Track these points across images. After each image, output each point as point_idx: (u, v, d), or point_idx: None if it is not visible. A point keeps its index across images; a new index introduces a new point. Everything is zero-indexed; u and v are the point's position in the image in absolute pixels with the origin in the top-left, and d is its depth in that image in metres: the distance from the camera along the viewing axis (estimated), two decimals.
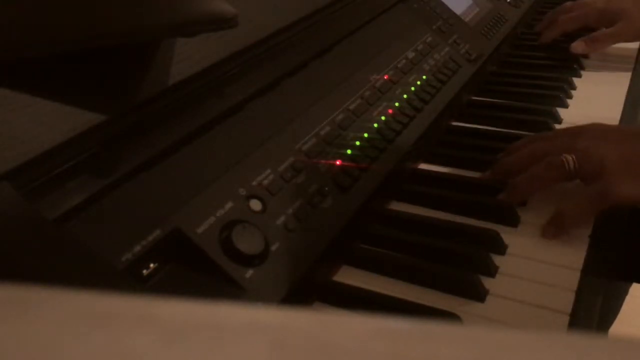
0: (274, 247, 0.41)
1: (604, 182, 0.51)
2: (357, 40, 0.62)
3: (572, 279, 0.46)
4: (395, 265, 0.47)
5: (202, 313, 0.12)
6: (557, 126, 0.69)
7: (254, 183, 0.43)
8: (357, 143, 0.53)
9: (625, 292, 0.91)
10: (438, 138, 0.66)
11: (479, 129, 0.69)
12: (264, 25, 0.53)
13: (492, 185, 0.57)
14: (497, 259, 0.48)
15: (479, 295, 0.44)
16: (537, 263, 0.48)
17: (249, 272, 0.39)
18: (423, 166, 0.62)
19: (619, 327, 0.92)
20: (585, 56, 0.89)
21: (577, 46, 0.87)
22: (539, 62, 0.87)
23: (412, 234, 0.51)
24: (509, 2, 0.96)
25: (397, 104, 0.60)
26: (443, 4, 0.79)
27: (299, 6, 0.58)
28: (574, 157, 0.53)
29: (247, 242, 0.39)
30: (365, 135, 0.54)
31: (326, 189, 0.47)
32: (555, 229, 0.51)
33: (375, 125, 0.56)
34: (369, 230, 0.51)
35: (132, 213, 0.36)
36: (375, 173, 0.52)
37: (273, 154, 0.46)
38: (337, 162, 0.50)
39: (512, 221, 0.52)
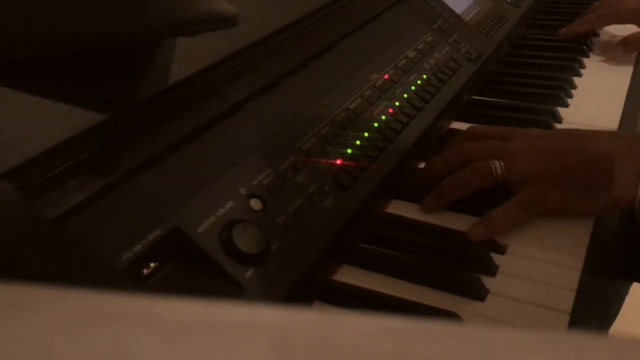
0: (274, 247, 0.41)
1: (530, 191, 0.51)
2: (357, 39, 0.62)
3: (573, 278, 0.46)
4: (396, 265, 0.47)
5: (203, 312, 0.12)
6: (558, 126, 0.69)
7: (255, 182, 0.43)
8: (358, 142, 0.53)
9: (626, 292, 0.91)
10: (438, 137, 0.66)
11: None
12: (264, 25, 0.53)
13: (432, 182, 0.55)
14: (498, 258, 0.48)
15: (479, 294, 0.44)
16: (538, 262, 0.48)
17: (249, 272, 0.39)
18: (423, 165, 0.62)
19: (619, 326, 0.92)
20: (587, 55, 0.89)
21: (613, 51, 0.88)
22: (540, 62, 0.87)
23: (412, 233, 0.51)
24: (509, 2, 0.96)
25: (397, 103, 0.60)
26: (443, 3, 0.79)
27: (299, 5, 0.58)
28: (502, 163, 0.52)
29: (247, 241, 0.39)
30: (366, 134, 0.54)
31: (326, 188, 0.47)
32: (483, 230, 0.50)
33: (376, 124, 0.56)
34: (369, 230, 0.51)
35: (132, 212, 0.36)
36: (376, 172, 0.52)
37: (273, 153, 0.46)
38: (338, 162, 0.50)
39: None
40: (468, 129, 0.61)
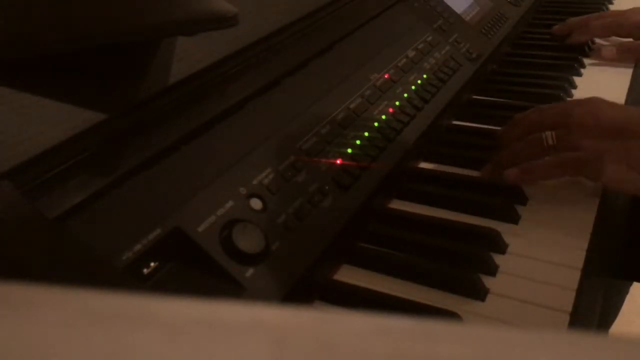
0: (274, 246, 0.41)
1: (580, 155, 0.53)
2: (357, 39, 0.62)
3: (573, 277, 0.46)
4: (396, 264, 0.47)
5: (203, 312, 0.12)
6: None
7: (255, 182, 0.43)
8: (358, 142, 0.53)
9: (626, 291, 0.91)
10: (439, 137, 0.66)
11: (480, 128, 0.69)
12: (264, 24, 0.53)
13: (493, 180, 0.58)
14: (498, 258, 0.48)
15: (479, 294, 0.44)
16: (538, 262, 0.48)
17: (250, 271, 0.39)
18: (423, 165, 0.62)
19: (619, 326, 0.92)
20: (587, 55, 0.89)
21: (608, 52, 0.87)
22: (540, 61, 0.87)
23: (412, 232, 0.51)
24: (509, 1, 0.96)
25: (397, 103, 0.60)
26: (444, 2, 0.79)
27: (300, 5, 0.58)
28: (553, 134, 0.55)
29: (247, 241, 0.39)
30: (366, 134, 0.54)
31: (327, 187, 0.47)
32: (518, 173, 0.54)
33: (376, 124, 0.56)
34: (370, 229, 0.51)
35: (132, 212, 0.36)
36: (376, 172, 0.52)
37: (273, 152, 0.46)
38: (338, 161, 0.50)
39: (512, 218, 0.52)
40: (535, 108, 0.63)
